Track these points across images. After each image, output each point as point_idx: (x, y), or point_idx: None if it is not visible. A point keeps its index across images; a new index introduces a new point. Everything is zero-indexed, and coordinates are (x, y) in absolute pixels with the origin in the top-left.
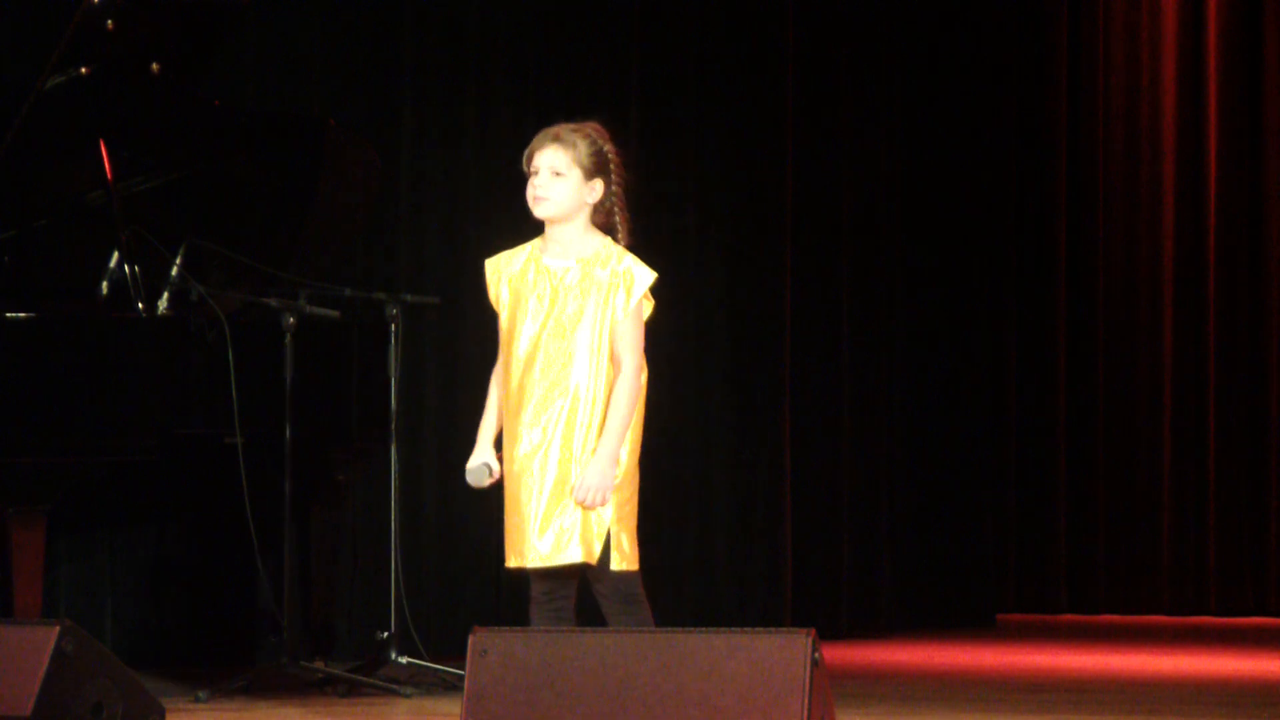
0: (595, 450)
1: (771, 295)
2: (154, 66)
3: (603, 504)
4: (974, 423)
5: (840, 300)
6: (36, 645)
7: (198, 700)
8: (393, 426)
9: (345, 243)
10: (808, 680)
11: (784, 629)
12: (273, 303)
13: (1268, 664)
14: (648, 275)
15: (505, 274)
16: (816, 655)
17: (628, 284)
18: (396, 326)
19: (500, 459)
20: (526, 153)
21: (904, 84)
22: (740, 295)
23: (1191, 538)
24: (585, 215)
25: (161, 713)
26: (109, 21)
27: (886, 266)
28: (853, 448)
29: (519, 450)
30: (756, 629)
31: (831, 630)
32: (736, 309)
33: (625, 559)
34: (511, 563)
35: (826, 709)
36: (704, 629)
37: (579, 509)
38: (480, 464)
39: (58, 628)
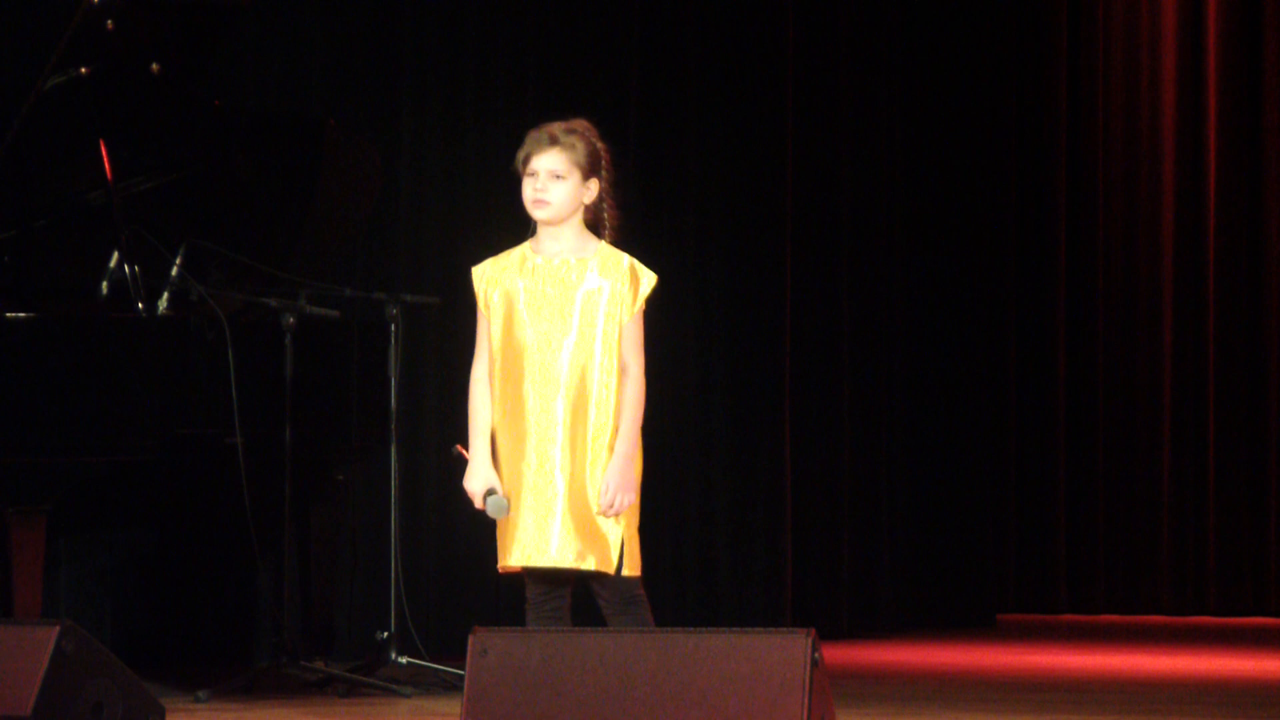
0: (612, 454)
1: (771, 295)
2: (154, 66)
3: (625, 508)
4: (974, 423)
5: (840, 300)
6: (36, 645)
7: (198, 700)
8: (393, 426)
9: (345, 243)
10: (808, 680)
11: (784, 629)
12: (273, 303)
13: (1267, 664)
14: (651, 278)
15: (497, 279)
16: (816, 655)
17: (635, 286)
18: (396, 326)
19: (496, 467)
20: (522, 154)
21: (904, 84)
22: (740, 295)
23: (1191, 538)
24: (580, 215)
25: (161, 713)
26: (109, 21)
27: (886, 266)
28: (853, 448)
29: (530, 451)
30: (756, 629)
31: (831, 630)
32: (736, 309)
33: (633, 565)
34: (514, 561)
35: (826, 709)
36: (704, 629)
37: (596, 515)
38: (496, 494)
39: (58, 628)
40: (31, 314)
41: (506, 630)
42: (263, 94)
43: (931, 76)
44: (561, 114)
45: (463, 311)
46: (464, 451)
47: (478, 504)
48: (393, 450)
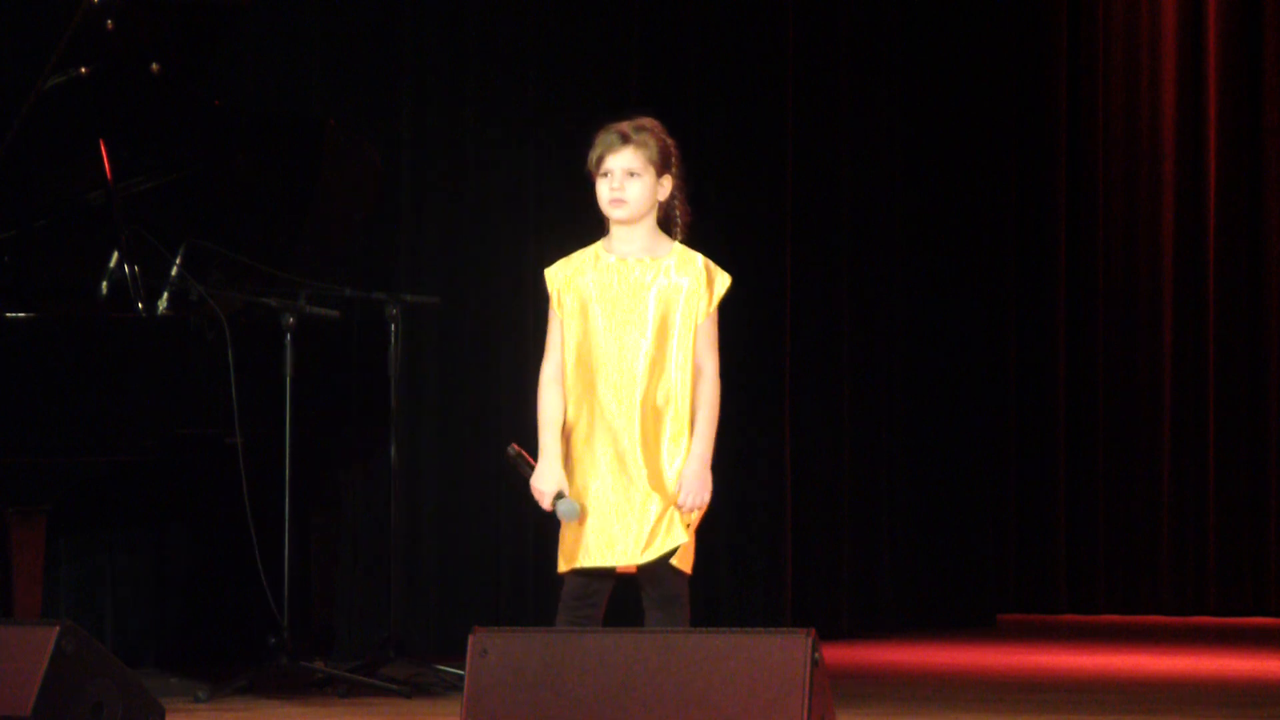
0: (689, 453)
1: (771, 295)
2: (154, 66)
3: (699, 507)
4: (974, 423)
5: (840, 300)
6: (36, 645)
7: (198, 700)
8: (393, 426)
9: (345, 243)
10: (808, 680)
11: (784, 629)
12: (273, 303)
13: (1267, 664)
14: (726, 278)
15: (570, 280)
16: (816, 655)
17: (710, 286)
18: (396, 326)
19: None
20: (595, 155)
21: (904, 84)
22: (740, 295)
23: (1191, 538)
24: (654, 213)
25: (161, 713)
26: (109, 21)
27: (886, 266)
28: (853, 448)
29: (608, 451)
30: (756, 629)
31: (831, 630)
32: (737, 309)
33: (686, 561)
34: (589, 561)
35: (826, 709)
36: (704, 629)
37: (662, 508)
38: (565, 497)
39: (58, 628)
40: (31, 314)
41: (506, 630)
42: (263, 94)
43: (931, 76)
44: (563, 114)
45: (463, 311)
46: (520, 451)
47: (546, 505)
48: (393, 450)
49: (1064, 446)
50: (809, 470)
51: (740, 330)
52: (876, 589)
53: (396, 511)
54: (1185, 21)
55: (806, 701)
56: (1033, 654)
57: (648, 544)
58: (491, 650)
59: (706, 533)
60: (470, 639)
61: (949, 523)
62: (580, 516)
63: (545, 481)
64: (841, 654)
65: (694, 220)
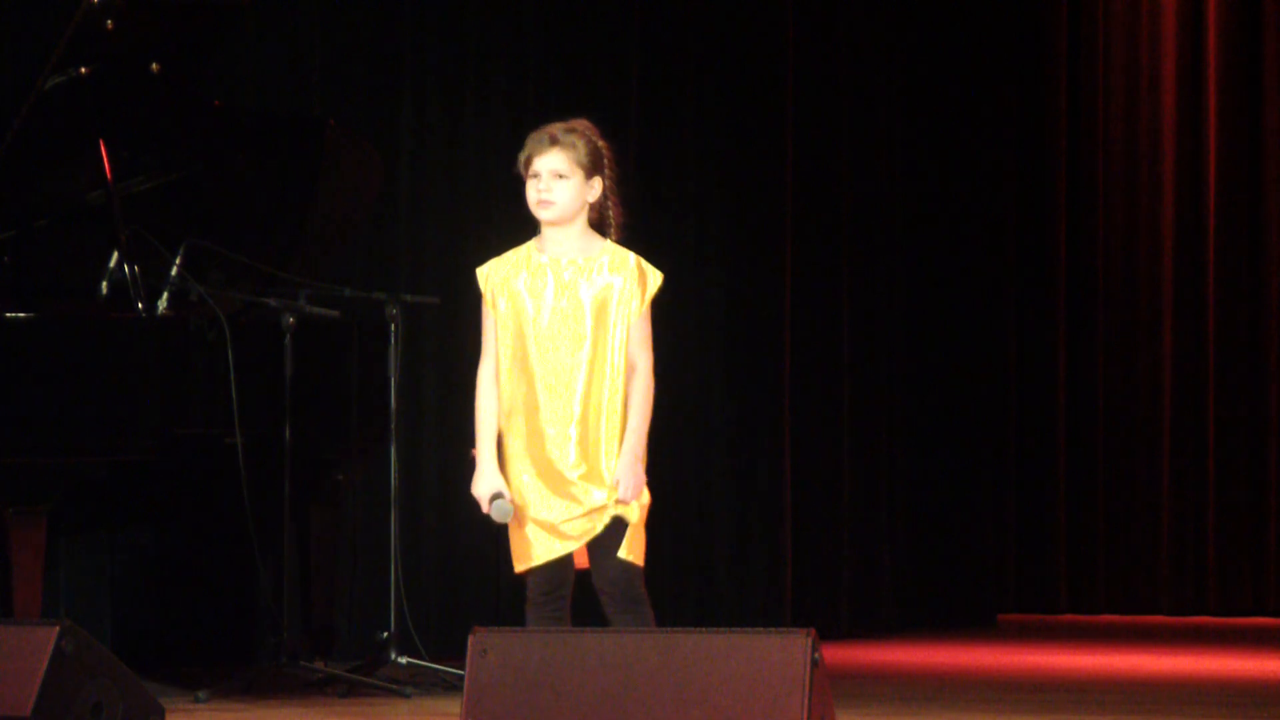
0: (622, 449)
1: (771, 295)
2: (154, 66)
3: (639, 499)
4: (974, 423)
5: (840, 300)
6: (36, 645)
7: (198, 700)
8: (392, 426)
9: (345, 243)
10: (808, 680)
11: (784, 629)
12: (273, 303)
13: (1267, 664)
14: (658, 275)
15: (504, 280)
16: (816, 655)
17: (642, 284)
18: (396, 326)
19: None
20: (523, 156)
21: (904, 83)
22: (740, 295)
23: (1191, 538)
24: (585, 214)
25: (161, 713)
26: (109, 21)
27: (886, 266)
28: (853, 448)
29: (544, 450)
30: (756, 629)
31: (831, 630)
32: (736, 309)
33: (632, 552)
34: (536, 560)
35: (826, 709)
36: (704, 629)
37: (600, 501)
38: (503, 498)
39: (58, 628)
40: (31, 314)
41: (506, 630)
42: (263, 94)
43: (932, 77)
44: (562, 114)
45: (463, 312)
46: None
47: (485, 508)
48: (392, 450)
49: (1064, 447)
50: (809, 470)
51: (740, 330)
52: (876, 589)
53: (396, 511)
54: (1185, 21)
55: (806, 701)
56: (1033, 654)
57: (585, 531)
58: (491, 650)
59: (707, 532)
60: (470, 639)
61: (949, 523)
62: (515, 516)
63: (480, 486)
64: (841, 654)
65: (629, 221)
